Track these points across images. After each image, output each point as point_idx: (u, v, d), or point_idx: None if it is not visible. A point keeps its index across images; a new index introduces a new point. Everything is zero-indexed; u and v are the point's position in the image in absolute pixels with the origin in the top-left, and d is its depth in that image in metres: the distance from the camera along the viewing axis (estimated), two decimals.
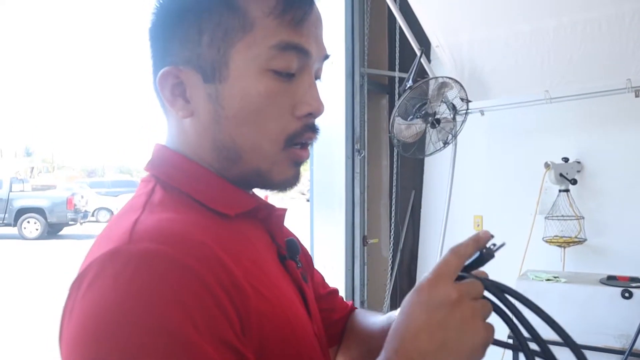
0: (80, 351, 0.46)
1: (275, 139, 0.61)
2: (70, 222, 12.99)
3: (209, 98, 0.61)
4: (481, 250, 0.63)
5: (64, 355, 0.49)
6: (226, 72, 0.60)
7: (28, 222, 12.52)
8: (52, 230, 12.85)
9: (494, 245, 0.65)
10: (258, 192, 0.70)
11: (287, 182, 0.65)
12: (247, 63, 0.59)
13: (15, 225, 12.48)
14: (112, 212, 15.56)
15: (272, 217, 0.68)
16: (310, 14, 0.61)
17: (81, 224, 13.45)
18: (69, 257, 9.86)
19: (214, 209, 0.61)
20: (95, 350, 0.45)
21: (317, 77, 0.66)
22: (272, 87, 0.60)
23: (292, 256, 0.69)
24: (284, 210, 0.70)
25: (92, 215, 15.09)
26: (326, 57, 0.66)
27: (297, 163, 0.65)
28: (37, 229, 12.48)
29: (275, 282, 0.60)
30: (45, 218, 12.49)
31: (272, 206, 0.68)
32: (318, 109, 0.63)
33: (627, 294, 2.04)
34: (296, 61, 0.61)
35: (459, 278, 0.62)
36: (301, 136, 0.63)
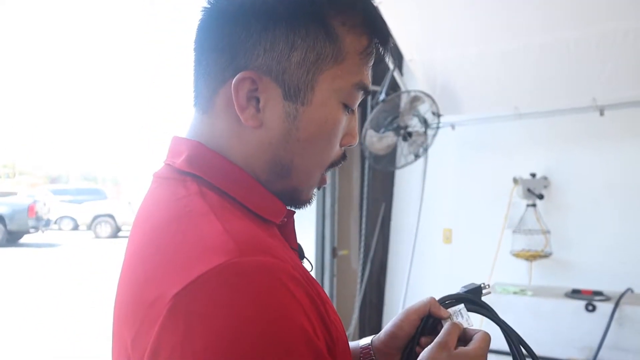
0: None
1: (323, 164, 0.65)
2: (31, 230, 12.60)
3: (287, 116, 0.60)
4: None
5: None
6: (310, 96, 0.60)
7: None
8: (11, 238, 12.44)
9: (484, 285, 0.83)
10: None
11: (308, 202, 0.68)
12: (329, 93, 0.60)
13: None
14: (75, 221, 15.19)
15: (288, 224, 0.69)
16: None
17: (43, 232, 13.07)
18: (29, 266, 9.58)
19: (261, 215, 0.61)
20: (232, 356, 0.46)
21: None
22: (341, 120, 0.63)
23: (302, 260, 0.71)
24: (294, 212, 0.70)
25: (55, 223, 14.68)
26: None
27: (319, 187, 0.68)
28: None
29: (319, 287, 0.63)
30: (5, 225, 12.10)
31: (292, 212, 0.69)
32: (356, 141, 0.67)
33: (590, 307, 2.09)
34: (360, 100, 0.64)
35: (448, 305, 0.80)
36: (337, 164, 0.66)
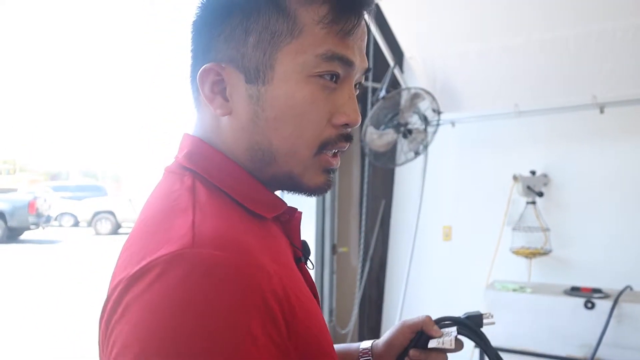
0: (139, 346, 0.47)
1: (310, 144, 0.62)
2: (31, 227, 12.61)
3: (250, 99, 0.61)
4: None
5: (117, 348, 0.49)
6: (270, 74, 0.60)
7: None
8: (11, 235, 12.45)
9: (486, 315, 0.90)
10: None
11: (318, 188, 0.65)
12: (293, 68, 0.60)
13: None
14: (75, 217, 15.20)
15: (292, 220, 0.69)
16: (358, 26, 0.62)
17: (43, 228, 13.08)
18: (29, 263, 9.59)
19: (253, 210, 0.62)
20: (156, 347, 0.46)
21: (356, 88, 0.67)
22: (316, 94, 0.61)
23: (306, 258, 0.71)
24: (301, 213, 0.71)
25: (55, 219, 14.70)
26: (367, 69, 0.67)
27: (328, 170, 0.65)
28: None
29: (302, 286, 0.62)
30: (6, 222, 12.11)
31: (294, 209, 0.69)
32: (355, 120, 0.64)
33: (589, 305, 2.09)
34: (340, 71, 0.62)
35: (444, 326, 0.86)
36: (335, 144, 0.64)
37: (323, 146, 0.63)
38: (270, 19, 0.59)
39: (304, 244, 0.72)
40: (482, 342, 0.88)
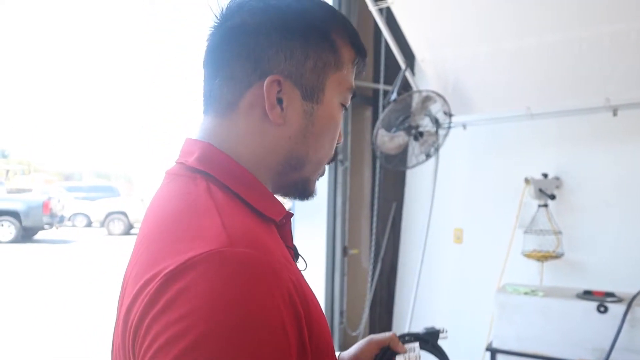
0: (194, 334, 0.51)
1: (329, 157, 0.76)
2: (45, 227, 12.74)
3: (305, 114, 0.70)
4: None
5: (163, 339, 0.52)
6: (322, 96, 0.71)
7: (2, 225, 12.26)
8: (26, 234, 12.59)
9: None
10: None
11: (314, 192, 0.77)
12: (333, 94, 0.72)
13: None
14: (88, 217, 15.32)
15: (286, 225, 0.74)
16: None
17: (57, 228, 13.21)
18: (43, 262, 9.68)
19: (263, 213, 0.67)
20: (211, 336, 0.51)
21: None
22: (340, 118, 0.75)
23: (295, 260, 0.77)
24: (292, 214, 0.75)
25: (69, 220, 14.83)
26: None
27: (320, 177, 0.78)
28: (11, 233, 12.21)
29: (306, 284, 0.66)
30: (20, 221, 12.23)
31: (291, 214, 0.74)
32: (342, 140, 0.80)
33: (602, 309, 2.08)
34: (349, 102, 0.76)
35: (407, 341, 0.94)
36: (334, 159, 0.78)
37: (330, 160, 0.76)
38: (323, 51, 0.70)
39: (295, 247, 0.78)
40: (442, 357, 0.97)
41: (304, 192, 0.75)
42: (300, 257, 0.78)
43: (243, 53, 0.68)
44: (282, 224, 0.72)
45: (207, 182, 0.65)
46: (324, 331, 0.63)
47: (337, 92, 0.72)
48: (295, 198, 0.76)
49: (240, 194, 0.66)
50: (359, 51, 0.74)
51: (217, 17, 0.71)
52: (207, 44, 0.72)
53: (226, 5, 0.71)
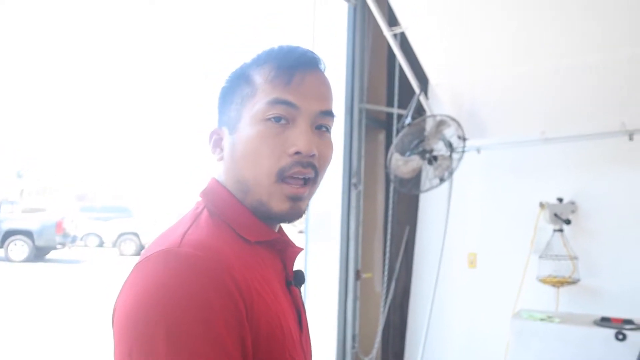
0: (135, 313, 0.65)
1: (269, 172, 0.77)
2: (58, 246, 12.80)
3: (230, 146, 0.81)
4: None
5: (117, 318, 0.68)
6: (239, 125, 0.80)
7: (15, 244, 12.33)
8: (39, 254, 12.64)
9: None
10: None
11: (285, 214, 0.79)
12: (250, 117, 0.78)
13: (1, 247, 12.29)
14: (100, 238, 15.39)
15: (287, 251, 0.84)
16: (302, 78, 0.79)
17: (69, 248, 13.27)
18: (55, 281, 9.72)
19: (240, 234, 0.78)
20: (145, 310, 0.65)
21: (321, 127, 0.81)
22: (265, 131, 0.77)
23: (297, 284, 0.85)
24: (300, 249, 0.86)
25: (81, 240, 14.90)
26: (325, 112, 0.80)
27: (292, 197, 0.78)
28: (23, 252, 12.28)
29: (276, 295, 0.76)
30: (33, 241, 12.31)
31: (289, 242, 0.84)
32: (304, 148, 0.76)
33: (620, 336, 2.04)
34: (285, 112, 0.77)
35: None
36: (290, 169, 0.77)
37: (281, 173, 0.77)
38: (240, 87, 0.81)
39: (299, 272, 0.86)
40: None
41: (271, 215, 0.79)
42: (299, 283, 0.86)
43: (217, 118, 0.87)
44: (281, 248, 0.83)
45: (204, 208, 0.80)
46: (273, 329, 0.71)
47: (253, 114, 0.78)
48: (275, 221, 0.82)
49: (226, 219, 0.78)
50: (275, 60, 0.79)
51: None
52: None
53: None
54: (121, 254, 14.20)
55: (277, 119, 0.77)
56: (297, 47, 0.81)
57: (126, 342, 0.65)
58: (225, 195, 0.81)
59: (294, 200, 0.78)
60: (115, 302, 0.71)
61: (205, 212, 0.79)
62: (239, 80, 0.82)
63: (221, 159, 0.83)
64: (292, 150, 0.76)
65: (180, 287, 0.65)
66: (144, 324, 0.64)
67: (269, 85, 0.78)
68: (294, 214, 0.79)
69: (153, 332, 0.63)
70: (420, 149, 2.77)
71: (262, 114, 0.77)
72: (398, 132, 2.88)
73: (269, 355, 0.71)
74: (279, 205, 0.77)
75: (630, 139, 2.49)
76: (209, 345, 0.64)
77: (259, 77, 0.79)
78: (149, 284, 0.66)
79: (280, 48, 0.81)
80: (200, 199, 0.84)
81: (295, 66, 0.79)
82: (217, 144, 0.85)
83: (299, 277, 0.86)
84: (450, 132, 2.81)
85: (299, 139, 0.77)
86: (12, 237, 12.24)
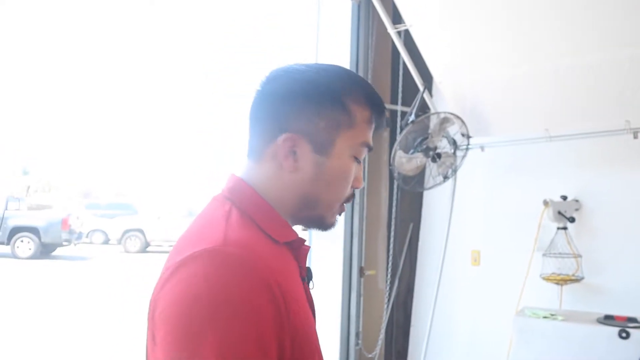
0: (187, 310, 0.67)
1: (341, 200, 0.89)
2: (64, 243, 12.86)
3: (315, 164, 0.85)
4: None
5: (160, 307, 0.70)
6: (331, 150, 0.85)
7: (21, 241, 12.40)
8: (45, 250, 12.72)
9: None
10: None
11: (332, 225, 0.91)
12: (344, 148, 0.86)
13: (8, 243, 12.36)
14: (106, 235, 15.46)
15: (301, 249, 0.89)
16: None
17: (75, 245, 13.33)
18: (61, 278, 9.76)
19: (268, 234, 0.82)
20: (197, 309, 0.66)
21: None
22: (352, 169, 0.88)
23: (308, 280, 0.92)
24: (309, 247, 0.92)
25: (87, 236, 14.97)
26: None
27: (340, 214, 0.92)
28: (30, 249, 12.35)
29: (301, 294, 0.82)
30: (39, 238, 12.37)
31: (304, 240, 0.89)
32: (362, 185, 0.93)
33: (624, 334, 2.04)
34: (365, 155, 0.90)
35: None
36: (349, 198, 0.91)
37: (345, 200, 0.90)
38: (335, 112, 0.84)
39: (309, 269, 0.92)
40: None
41: (321, 225, 0.90)
42: (309, 279, 0.92)
43: (270, 114, 0.85)
44: (296, 247, 0.87)
45: (231, 207, 0.82)
46: (306, 330, 0.76)
47: (348, 146, 0.85)
48: (314, 229, 0.91)
49: (254, 218, 0.82)
50: (375, 109, 0.88)
51: (261, 82, 0.88)
52: (251, 102, 0.89)
53: (268, 73, 0.88)
54: (126, 251, 14.26)
55: (359, 160, 0.89)
56: (372, 87, 0.90)
57: (178, 338, 0.66)
58: (255, 196, 0.85)
59: (340, 215, 0.92)
60: (157, 298, 0.72)
61: (235, 212, 0.81)
62: (331, 101, 0.85)
63: (295, 170, 0.85)
64: (357, 186, 0.91)
65: (231, 286, 0.68)
66: (197, 322, 0.66)
67: (365, 126, 0.87)
68: (335, 225, 0.92)
69: (206, 331, 0.65)
70: (424, 146, 2.77)
71: (356, 152, 0.87)
72: (402, 129, 2.88)
73: (302, 357, 0.74)
74: (331, 220, 0.90)
75: (635, 137, 2.48)
76: (255, 347, 0.67)
77: (357, 113, 0.86)
78: (199, 282, 0.68)
79: (367, 83, 0.90)
80: (219, 195, 0.87)
81: (382, 115, 0.90)
82: (292, 151, 0.84)
83: (310, 274, 0.92)
84: (454, 130, 2.81)
85: (360, 177, 0.91)
86: (19, 234, 12.31)
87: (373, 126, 0.88)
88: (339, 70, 0.88)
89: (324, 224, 0.90)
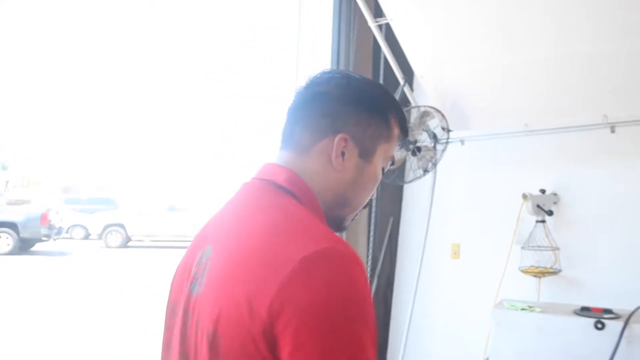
0: (327, 309, 0.71)
1: (363, 204, 0.97)
2: (43, 238, 12.69)
3: (357, 168, 0.92)
4: None
5: (300, 314, 0.71)
6: (372, 158, 0.93)
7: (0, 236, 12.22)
8: (24, 246, 12.55)
9: None
10: None
11: (346, 228, 0.97)
12: (379, 158, 0.94)
13: None
14: (86, 230, 15.29)
15: None
16: None
17: (54, 240, 13.16)
18: (40, 274, 9.64)
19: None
20: (341, 307, 0.71)
21: None
22: (379, 177, 0.96)
23: None
24: None
25: (66, 232, 14.79)
26: None
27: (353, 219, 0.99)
28: (8, 244, 12.17)
29: None
30: (18, 233, 12.20)
31: None
32: (375, 196, 1.01)
33: (599, 325, 2.07)
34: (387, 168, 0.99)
35: None
36: (366, 206, 0.99)
37: (365, 206, 0.98)
38: (381, 124, 0.93)
39: None
40: None
41: (339, 226, 0.96)
42: None
43: (325, 112, 0.91)
44: None
45: (293, 198, 0.86)
46: None
47: (382, 157, 0.94)
48: (335, 229, 0.95)
49: (312, 212, 0.86)
50: (403, 131, 0.99)
51: (307, 81, 0.95)
52: (295, 98, 0.95)
53: (317, 75, 0.95)
54: (107, 246, 14.13)
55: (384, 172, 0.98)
56: None
57: (324, 338, 0.70)
58: (311, 194, 0.90)
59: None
60: (284, 299, 0.71)
61: (302, 207, 0.86)
62: (380, 114, 0.94)
63: (340, 170, 0.91)
64: (374, 195, 0.99)
65: (363, 285, 0.75)
66: (349, 321, 0.72)
67: (395, 142, 0.97)
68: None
69: (359, 330, 0.72)
70: (404, 139, 2.78)
71: (384, 164, 0.96)
72: None
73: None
74: (348, 223, 0.97)
75: (612, 131, 2.50)
76: (373, 343, 0.74)
77: (395, 129, 0.95)
78: (342, 282, 0.73)
79: (401, 108, 0.99)
80: (263, 182, 0.91)
81: (406, 136, 1.03)
82: (342, 151, 0.91)
83: None
84: (434, 124, 2.82)
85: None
86: None
87: (399, 142, 0.98)
88: (382, 87, 1.00)
89: (342, 226, 0.97)
